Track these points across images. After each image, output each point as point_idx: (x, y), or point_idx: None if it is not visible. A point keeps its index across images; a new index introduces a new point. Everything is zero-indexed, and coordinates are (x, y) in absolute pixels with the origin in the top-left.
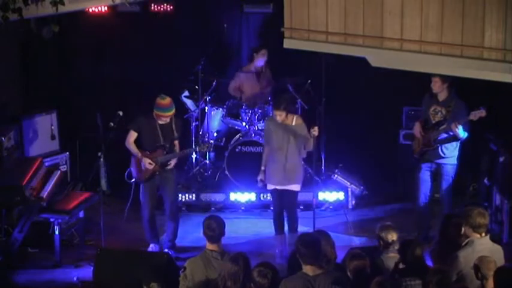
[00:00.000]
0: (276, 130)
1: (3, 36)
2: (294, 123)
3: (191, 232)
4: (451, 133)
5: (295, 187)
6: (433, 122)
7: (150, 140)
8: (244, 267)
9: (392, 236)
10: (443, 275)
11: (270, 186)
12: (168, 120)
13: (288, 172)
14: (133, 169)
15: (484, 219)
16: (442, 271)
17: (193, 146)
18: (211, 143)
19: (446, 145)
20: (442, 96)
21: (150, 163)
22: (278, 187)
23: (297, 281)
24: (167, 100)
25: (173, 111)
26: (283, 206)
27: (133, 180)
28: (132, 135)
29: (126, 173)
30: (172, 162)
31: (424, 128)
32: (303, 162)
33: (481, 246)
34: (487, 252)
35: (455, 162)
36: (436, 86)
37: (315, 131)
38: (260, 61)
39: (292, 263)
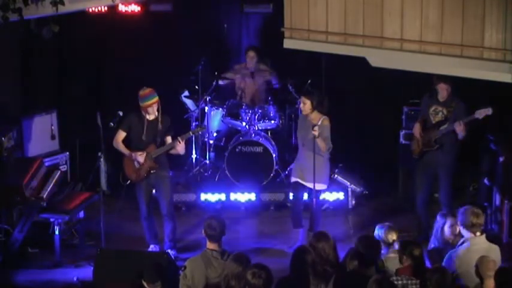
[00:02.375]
0: (303, 125)
1: (3, 36)
2: (319, 123)
3: (191, 232)
4: (454, 133)
5: (320, 186)
6: (433, 122)
7: (139, 138)
8: (248, 267)
9: (393, 236)
10: (442, 275)
11: (292, 179)
12: (155, 110)
13: (308, 169)
14: (126, 170)
15: (478, 218)
16: (441, 270)
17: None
18: (205, 124)
19: (446, 145)
20: (443, 96)
21: (140, 155)
22: (299, 181)
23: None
24: (148, 90)
25: (156, 98)
26: (303, 202)
27: (128, 182)
28: (120, 135)
29: (120, 176)
30: (180, 149)
31: (424, 128)
32: (326, 162)
33: (476, 245)
34: (482, 252)
35: (455, 162)
36: (445, 93)
37: (315, 131)
38: (249, 62)
39: (296, 261)
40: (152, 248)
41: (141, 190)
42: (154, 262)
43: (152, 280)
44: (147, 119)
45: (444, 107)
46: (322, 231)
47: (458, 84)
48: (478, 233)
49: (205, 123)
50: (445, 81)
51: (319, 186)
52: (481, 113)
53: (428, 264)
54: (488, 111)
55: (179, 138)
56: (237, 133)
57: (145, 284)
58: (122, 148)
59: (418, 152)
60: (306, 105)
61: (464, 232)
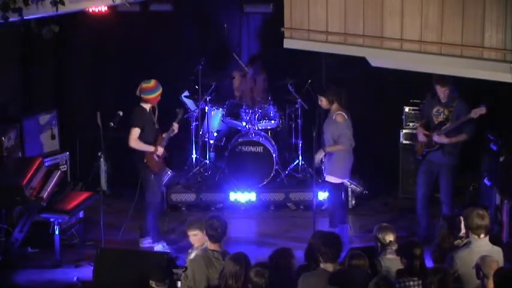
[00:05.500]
0: (326, 118)
1: (3, 36)
2: (334, 118)
3: None
4: (455, 133)
5: (329, 178)
6: (436, 123)
7: (152, 129)
8: (246, 266)
9: (390, 237)
10: (444, 275)
11: None
12: (158, 100)
13: (327, 161)
14: (150, 165)
15: (482, 220)
16: (442, 271)
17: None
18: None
19: (447, 145)
20: (443, 98)
21: (162, 147)
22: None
23: (318, 277)
24: (152, 81)
25: (161, 89)
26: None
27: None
28: (137, 132)
29: (146, 172)
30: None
31: (428, 129)
32: (346, 155)
33: (479, 247)
34: (485, 254)
35: (456, 162)
36: (445, 94)
37: (317, 157)
38: (250, 69)
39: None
40: (163, 246)
41: (159, 182)
42: (152, 265)
43: (161, 279)
44: (149, 111)
45: (445, 108)
46: (319, 230)
47: (458, 84)
48: (482, 235)
49: (205, 124)
50: (442, 84)
51: (331, 179)
52: (476, 112)
53: (429, 264)
54: (482, 110)
55: (175, 124)
56: (237, 133)
57: (153, 284)
58: (144, 146)
59: (421, 152)
60: (322, 102)
61: (469, 233)
